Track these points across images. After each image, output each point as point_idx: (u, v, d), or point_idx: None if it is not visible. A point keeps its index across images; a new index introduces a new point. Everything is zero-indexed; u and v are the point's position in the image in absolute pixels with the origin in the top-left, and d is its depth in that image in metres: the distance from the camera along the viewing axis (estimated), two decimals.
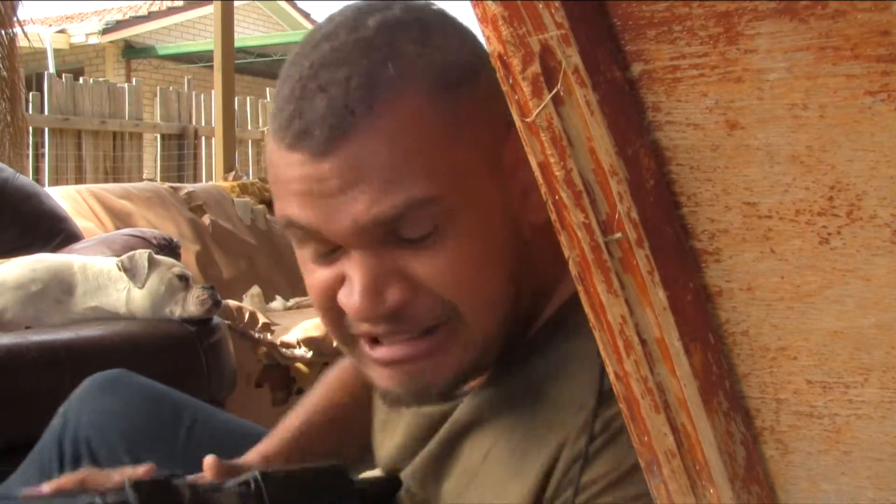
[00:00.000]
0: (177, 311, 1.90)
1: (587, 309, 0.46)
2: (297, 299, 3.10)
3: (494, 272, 0.61)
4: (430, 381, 0.62)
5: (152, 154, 7.42)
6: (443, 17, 0.62)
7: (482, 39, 0.43)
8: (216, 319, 2.01)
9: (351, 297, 0.59)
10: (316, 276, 0.62)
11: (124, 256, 1.95)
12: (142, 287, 1.92)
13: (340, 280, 0.60)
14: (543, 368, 0.65)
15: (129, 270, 1.92)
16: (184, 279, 1.94)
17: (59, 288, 1.95)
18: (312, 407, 0.90)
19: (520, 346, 0.67)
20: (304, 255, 0.63)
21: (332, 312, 0.62)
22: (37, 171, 6.12)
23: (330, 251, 0.60)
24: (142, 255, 1.94)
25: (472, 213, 0.59)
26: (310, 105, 0.55)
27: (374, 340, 0.62)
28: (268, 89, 8.98)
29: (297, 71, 0.57)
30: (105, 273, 1.95)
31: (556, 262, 0.61)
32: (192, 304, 1.91)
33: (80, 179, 6.21)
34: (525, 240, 0.63)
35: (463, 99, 0.59)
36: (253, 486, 0.68)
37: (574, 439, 0.61)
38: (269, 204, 3.65)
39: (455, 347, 0.61)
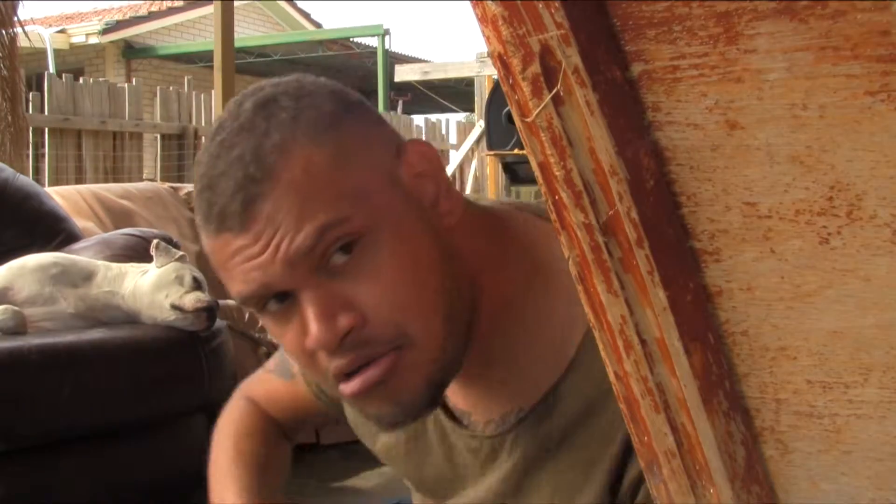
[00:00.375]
0: (171, 298, 1.90)
1: (587, 309, 0.46)
2: None
3: (426, 282, 0.66)
4: (407, 397, 0.67)
5: (152, 154, 7.41)
6: (307, 82, 0.70)
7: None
8: (218, 323, 2.00)
9: (309, 331, 0.64)
10: (287, 337, 0.68)
11: (161, 241, 1.99)
12: (159, 267, 1.93)
13: (303, 329, 0.65)
14: (588, 390, 0.71)
15: (160, 250, 1.94)
16: (196, 282, 1.94)
17: (80, 274, 1.97)
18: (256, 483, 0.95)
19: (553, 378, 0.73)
20: (273, 328, 0.69)
21: (309, 361, 0.68)
22: (37, 171, 6.12)
23: (286, 307, 0.66)
24: (177, 251, 1.99)
25: (386, 229, 0.65)
26: (219, 190, 0.64)
27: (348, 377, 0.66)
28: None
29: (201, 169, 0.66)
30: (125, 268, 1.99)
31: (482, 242, 0.73)
32: (188, 298, 1.90)
33: (80, 179, 6.21)
34: (447, 243, 0.69)
35: (343, 136, 0.66)
36: None
37: None
38: None
39: (418, 362, 0.66)
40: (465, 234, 0.71)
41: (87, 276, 1.97)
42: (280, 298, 0.66)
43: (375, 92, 11.42)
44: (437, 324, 0.66)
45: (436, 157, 0.71)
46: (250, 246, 0.63)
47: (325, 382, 0.69)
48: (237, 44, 5.06)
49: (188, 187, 3.39)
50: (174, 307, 1.90)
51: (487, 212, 0.77)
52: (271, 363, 1.02)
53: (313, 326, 0.63)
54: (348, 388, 0.66)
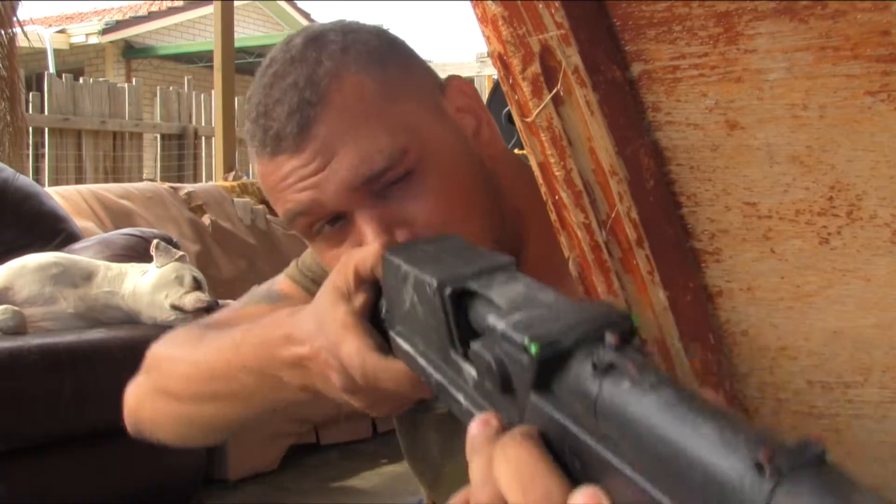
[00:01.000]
0: (170, 298, 1.91)
1: None
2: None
3: (473, 201, 0.70)
4: None
5: (152, 154, 7.41)
6: (353, 23, 0.73)
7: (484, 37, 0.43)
8: None
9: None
10: (334, 257, 0.68)
11: (161, 241, 1.99)
12: (160, 267, 1.93)
13: (361, 246, 0.67)
14: None
15: (160, 250, 1.94)
16: (196, 282, 1.94)
17: (80, 274, 1.97)
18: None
19: None
20: (319, 247, 0.71)
21: None
22: (37, 171, 6.12)
23: (338, 229, 0.68)
24: (178, 251, 1.99)
25: (434, 153, 0.68)
26: (274, 115, 0.66)
27: None
28: None
29: (254, 100, 0.69)
30: (125, 267, 1.99)
31: (522, 184, 0.73)
32: (188, 298, 1.91)
33: (80, 179, 6.21)
34: (489, 169, 0.72)
35: (389, 69, 0.69)
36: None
37: None
38: (269, 204, 3.65)
39: None
40: (506, 173, 0.74)
41: (88, 276, 1.97)
42: (332, 221, 0.68)
43: None
44: (485, 240, 0.68)
45: (475, 93, 0.75)
46: (305, 166, 0.65)
47: None
48: (237, 44, 5.06)
49: (188, 187, 3.39)
50: (174, 307, 1.90)
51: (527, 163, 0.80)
52: (244, 299, 0.91)
53: (372, 241, 0.65)
54: None
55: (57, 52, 10.64)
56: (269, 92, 0.67)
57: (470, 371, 0.40)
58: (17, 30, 4.11)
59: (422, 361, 0.48)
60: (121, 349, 1.85)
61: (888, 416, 0.44)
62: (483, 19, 0.41)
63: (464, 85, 0.75)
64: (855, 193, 0.40)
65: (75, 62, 11.29)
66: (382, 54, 0.70)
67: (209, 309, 1.91)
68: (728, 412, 0.28)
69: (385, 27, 0.75)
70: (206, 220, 3.24)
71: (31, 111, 5.73)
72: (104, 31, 11.26)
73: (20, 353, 1.68)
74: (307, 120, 0.65)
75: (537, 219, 0.73)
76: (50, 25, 11.25)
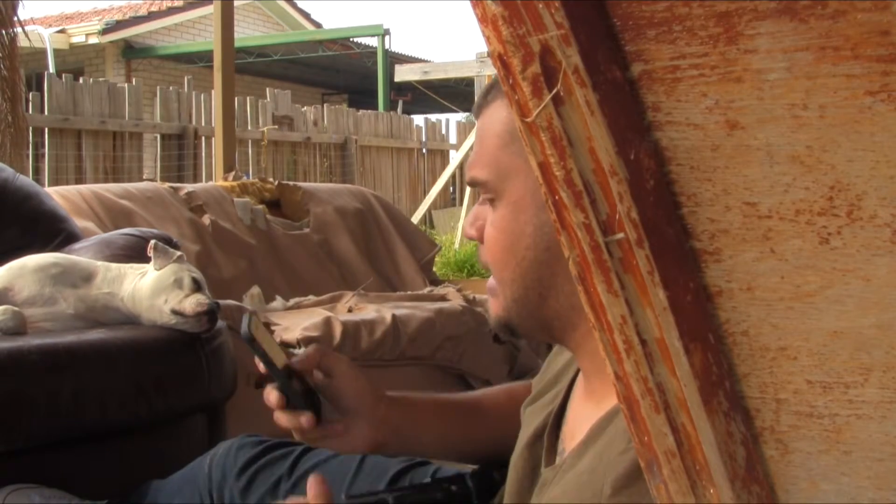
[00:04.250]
0: (170, 303, 1.89)
1: (587, 309, 0.46)
2: (297, 299, 3.09)
3: (512, 257, 0.82)
4: (493, 314, 0.87)
5: (152, 154, 7.41)
6: None
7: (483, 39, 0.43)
8: (218, 324, 1.99)
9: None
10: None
11: (159, 242, 1.97)
12: (158, 270, 1.92)
13: None
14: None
15: (158, 251, 1.92)
16: (196, 283, 1.92)
17: (80, 275, 1.96)
18: (462, 396, 1.19)
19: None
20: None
21: None
22: (37, 171, 6.12)
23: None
24: (175, 251, 1.97)
25: (507, 205, 0.81)
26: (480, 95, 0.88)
27: None
28: (268, 89, 8.98)
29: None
30: (124, 268, 1.98)
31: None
32: (188, 302, 1.89)
33: (80, 179, 6.21)
34: (553, 259, 0.80)
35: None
36: None
37: None
38: (269, 204, 3.65)
39: (499, 296, 0.84)
40: (565, 281, 0.82)
41: (87, 277, 1.96)
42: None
43: (375, 92, 11.41)
44: (508, 288, 0.83)
45: None
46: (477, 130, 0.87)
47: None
48: (237, 44, 5.06)
49: (188, 187, 3.39)
50: (174, 312, 1.89)
51: None
52: None
53: (465, 220, 0.89)
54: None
55: (57, 52, 10.64)
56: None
57: None
58: (18, 30, 4.11)
59: None
60: (121, 349, 1.85)
61: (888, 416, 0.44)
62: (483, 19, 0.41)
63: None
64: (855, 193, 0.40)
65: (75, 62, 11.29)
66: None
67: (210, 312, 1.90)
68: None
69: None
70: (206, 220, 3.24)
71: (31, 111, 5.73)
72: (104, 31, 11.26)
73: (20, 353, 1.68)
74: (478, 107, 0.86)
75: (584, 333, 0.83)
76: (50, 25, 11.25)
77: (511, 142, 0.80)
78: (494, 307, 0.86)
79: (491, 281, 0.86)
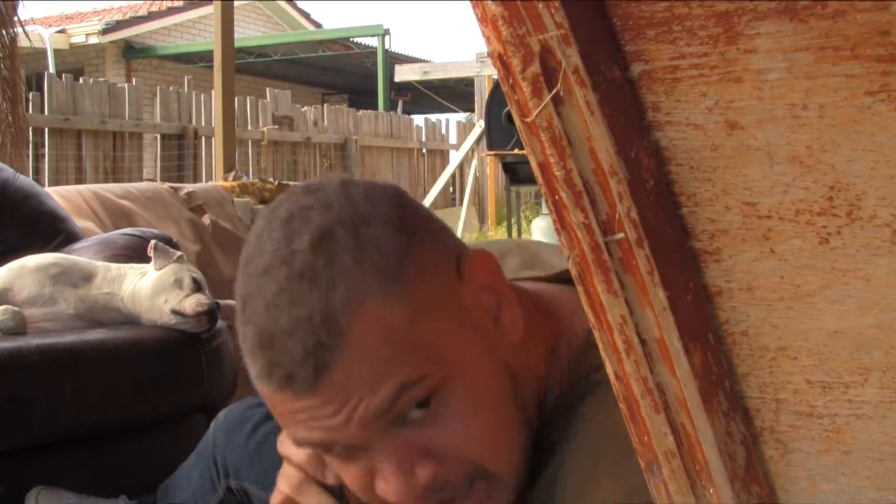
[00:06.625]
0: (170, 303, 1.89)
1: (587, 309, 0.46)
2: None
3: (500, 420, 0.66)
4: None
5: (152, 154, 7.41)
6: (356, 201, 0.64)
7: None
8: (218, 324, 2.00)
9: (387, 485, 0.63)
10: (350, 474, 0.66)
11: (159, 241, 1.97)
12: (158, 269, 1.92)
13: (372, 474, 0.64)
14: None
15: (158, 251, 1.92)
16: (196, 283, 1.93)
17: (79, 275, 1.96)
18: None
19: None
20: (334, 465, 0.68)
21: (378, 499, 0.66)
22: (37, 171, 6.12)
23: (352, 452, 0.64)
24: (175, 251, 1.97)
25: (459, 376, 0.63)
26: (284, 351, 0.59)
27: None
28: (268, 89, 8.99)
29: (255, 315, 0.61)
30: (124, 268, 1.98)
31: (540, 363, 0.70)
32: (188, 302, 1.89)
33: (80, 179, 6.21)
34: (512, 367, 0.67)
35: (409, 283, 0.62)
36: None
37: None
38: (269, 203, 3.64)
39: (499, 492, 0.66)
40: (528, 348, 0.70)
41: (87, 277, 1.96)
42: (347, 447, 0.64)
43: (375, 92, 11.41)
44: (514, 457, 0.66)
45: (496, 266, 0.69)
46: (319, 408, 0.60)
47: None
48: (237, 44, 5.06)
49: (188, 187, 3.39)
50: (174, 312, 1.89)
51: (538, 302, 0.74)
52: None
53: (392, 481, 0.62)
54: None
55: (57, 52, 10.64)
56: (275, 316, 0.59)
57: None
58: (18, 30, 4.10)
59: None
60: (121, 349, 1.85)
61: (888, 416, 0.44)
62: (483, 19, 0.41)
63: (483, 260, 0.69)
64: (855, 193, 0.40)
65: (75, 62, 11.30)
66: (402, 257, 0.62)
67: (210, 312, 1.90)
68: None
69: (400, 198, 0.67)
70: (206, 220, 3.24)
71: (31, 111, 5.73)
72: (104, 31, 11.26)
73: (20, 353, 1.68)
74: (324, 365, 0.58)
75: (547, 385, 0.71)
76: (50, 25, 11.25)
77: (415, 317, 0.61)
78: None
79: None
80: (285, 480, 0.78)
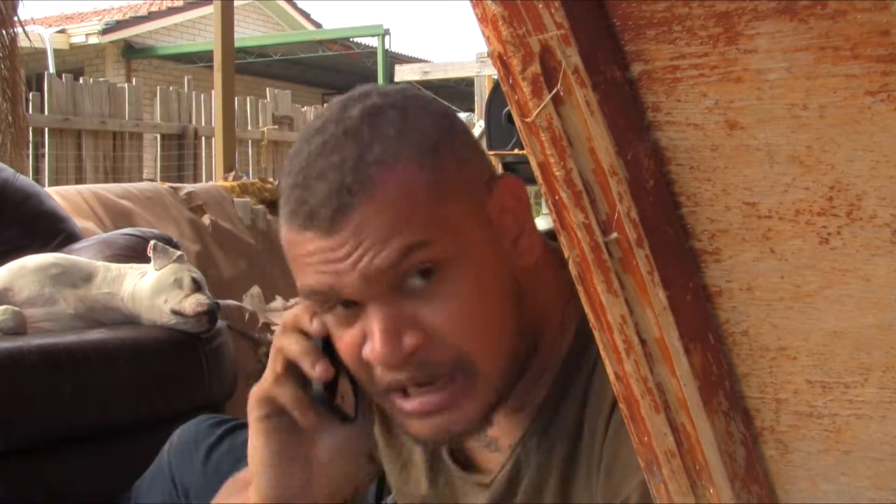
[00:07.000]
0: (170, 303, 1.89)
1: (587, 309, 0.46)
2: (297, 299, 3.08)
3: (496, 318, 0.68)
4: (459, 427, 0.69)
5: (152, 154, 7.41)
6: (414, 99, 0.70)
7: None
8: (218, 324, 2.00)
9: (373, 346, 0.65)
10: (344, 338, 0.69)
11: (159, 242, 1.97)
12: (157, 270, 1.92)
13: (364, 337, 0.67)
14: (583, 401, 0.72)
15: (158, 251, 1.93)
16: (196, 283, 1.93)
17: (79, 275, 1.96)
18: None
19: (542, 383, 0.74)
20: (332, 327, 0.71)
21: (363, 368, 0.69)
22: (37, 171, 6.12)
23: (351, 312, 0.67)
24: (175, 251, 1.97)
25: (466, 261, 0.65)
26: (312, 191, 0.64)
27: (404, 393, 0.68)
28: (268, 89, 8.99)
29: (297, 163, 0.66)
30: (124, 268, 1.98)
31: (552, 294, 0.74)
32: (188, 302, 1.89)
33: (80, 179, 6.21)
34: (519, 284, 0.70)
35: (442, 164, 0.66)
36: None
37: None
38: (269, 204, 3.65)
39: (476, 392, 0.68)
40: (538, 283, 0.72)
41: (87, 277, 1.97)
42: (347, 304, 0.67)
43: None
44: (501, 359, 0.68)
45: (524, 196, 0.71)
46: (333, 251, 0.64)
47: (374, 389, 0.70)
48: (237, 44, 5.06)
49: (188, 187, 3.39)
50: (174, 312, 1.89)
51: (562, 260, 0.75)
52: None
53: (378, 342, 0.64)
54: (407, 404, 0.68)
55: (57, 52, 10.64)
56: (314, 162, 0.64)
57: None
58: (18, 30, 4.11)
59: None
60: (121, 349, 1.85)
61: (888, 416, 0.44)
62: (483, 19, 0.41)
63: (515, 186, 0.71)
64: (855, 193, 0.40)
65: (75, 62, 11.29)
66: (439, 144, 0.66)
67: (210, 312, 1.90)
68: None
69: (446, 110, 0.72)
70: (206, 220, 3.24)
71: (31, 111, 5.73)
72: (104, 32, 11.25)
73: (20, 353, 1.68)
74: (344, 207, 0.62)
75: (553, 333, 0.74)
76: (50, 25, 11.24)
77: (438, 192, 0.65)
78: (470, 410, 0.68)
79: (438, 397, 0.67)
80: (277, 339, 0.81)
